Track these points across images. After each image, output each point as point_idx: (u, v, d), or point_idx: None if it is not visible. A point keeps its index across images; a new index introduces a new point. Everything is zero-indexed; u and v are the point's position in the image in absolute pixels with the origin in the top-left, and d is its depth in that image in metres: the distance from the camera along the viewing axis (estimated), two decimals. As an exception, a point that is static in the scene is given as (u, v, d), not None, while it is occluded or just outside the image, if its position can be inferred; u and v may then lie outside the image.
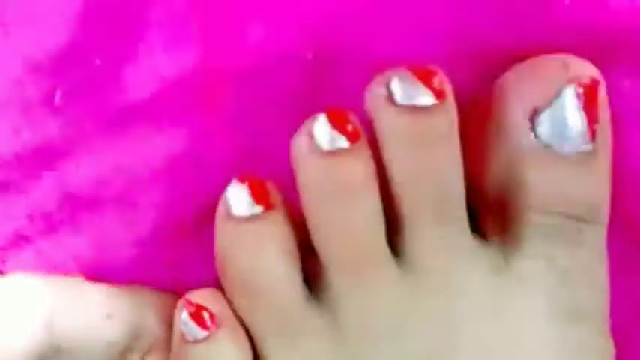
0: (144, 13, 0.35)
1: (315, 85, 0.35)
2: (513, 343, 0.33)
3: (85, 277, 0.37)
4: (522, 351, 0.33)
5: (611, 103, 0.34)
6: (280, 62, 0.35)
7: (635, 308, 0.36)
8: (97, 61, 0.35)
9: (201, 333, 0.34)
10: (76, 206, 0.36)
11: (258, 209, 0.33)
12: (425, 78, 0.32)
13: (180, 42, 0.35)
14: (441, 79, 0.32)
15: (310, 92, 0.35)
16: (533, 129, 0.33)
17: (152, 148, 0.36)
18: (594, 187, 0.33)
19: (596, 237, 0.34)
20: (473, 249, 0.34)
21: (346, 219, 0.33)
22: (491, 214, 0.34)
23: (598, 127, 0.33)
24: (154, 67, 0.36)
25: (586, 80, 0.33)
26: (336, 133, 0.32)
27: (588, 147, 0.33)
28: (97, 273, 0.37)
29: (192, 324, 0.34)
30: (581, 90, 0.33)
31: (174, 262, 0.36)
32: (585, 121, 0.33)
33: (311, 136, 0.33)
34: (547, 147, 0.33)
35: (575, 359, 0.33)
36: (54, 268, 0.37)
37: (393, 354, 0.33)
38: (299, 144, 0.33)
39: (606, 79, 0.34)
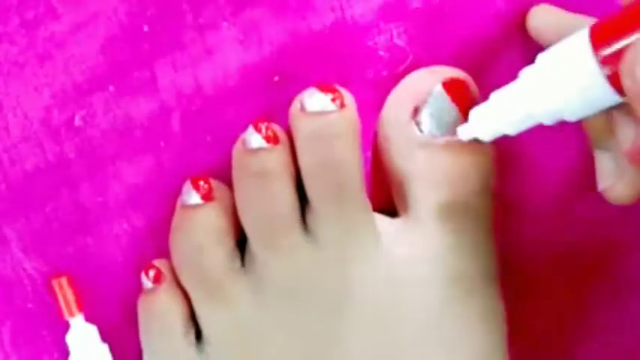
0: (150, 45, 0.38)
1: (280, 103, 0.38)
2: (403, 308, 0.37)
3: (83, 276, 0.39)
4: (411, 312, 0.37)
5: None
6: (252, 85, 0.38)
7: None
8: (111, 88, 0.37)
9: (148, 286, 0.38)
10: (88, 216, 0.39)
11: (198, 199, 0.37)
12: (326, 92, 0.36)
13: (179, 64, 0.38)
14: (340, 95, 0.36)
15: (275, 109, 0.38)
16: (417, 124, 0.37)
17: (150, 164, 0.38)
18: (481, 166, 0.37)
19: (484, 209, 0.38)
20: (372, 228, 0.37)
21: (259, 197, 0.36)
22: (401, 204, 0.38)
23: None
24: (155, 95, 0.38)
25: (451, 79, 0.37)
26: (259, 137, 0.36)
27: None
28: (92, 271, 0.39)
29: (144, 277, 0.38)
30: (448, 86, 0.37)
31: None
32: (457, 111, 0.37)
33: (243, 141, 0.37)
34: (432, 136, 0.37)
35: (463, 316, 0.37)
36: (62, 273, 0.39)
37: (298, 313, 0.37)
38: (235, 147, 0.37)
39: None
